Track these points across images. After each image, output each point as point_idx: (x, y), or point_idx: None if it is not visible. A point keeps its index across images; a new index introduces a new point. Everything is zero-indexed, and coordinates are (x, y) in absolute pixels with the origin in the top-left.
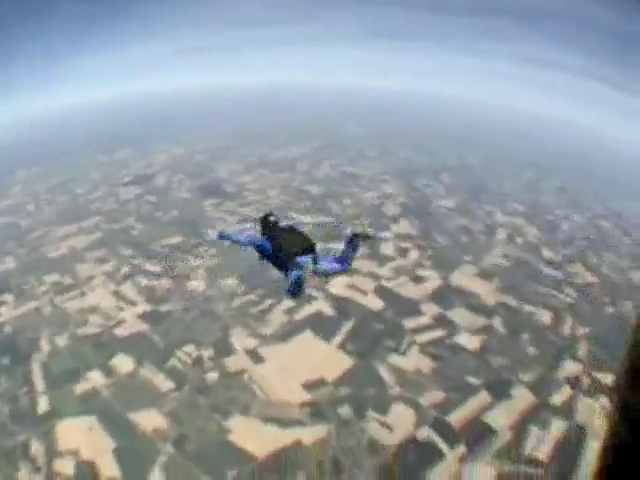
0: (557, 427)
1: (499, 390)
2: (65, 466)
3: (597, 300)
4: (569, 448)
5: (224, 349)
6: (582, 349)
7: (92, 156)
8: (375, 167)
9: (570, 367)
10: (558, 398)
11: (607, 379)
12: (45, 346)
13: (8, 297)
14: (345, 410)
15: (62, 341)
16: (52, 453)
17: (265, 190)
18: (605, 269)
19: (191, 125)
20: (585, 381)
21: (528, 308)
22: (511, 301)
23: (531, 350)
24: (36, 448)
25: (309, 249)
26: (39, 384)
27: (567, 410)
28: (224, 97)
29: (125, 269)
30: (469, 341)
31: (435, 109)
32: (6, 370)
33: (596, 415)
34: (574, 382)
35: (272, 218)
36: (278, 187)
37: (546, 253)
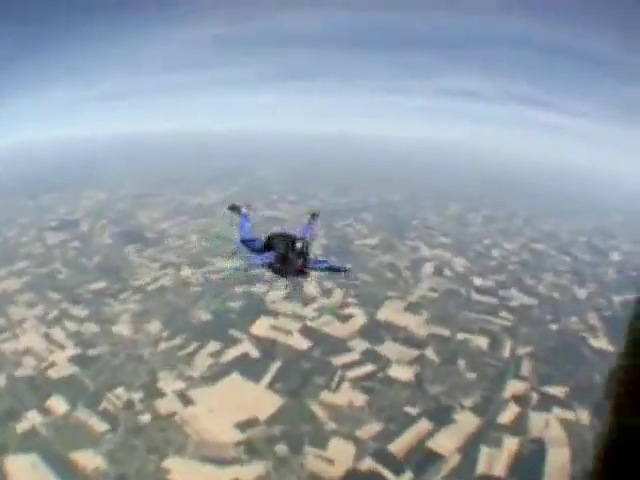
0: (511, 443)
1: (440, 416)
2: None
3: (538, 319)
4: (528, 460)
5: (153, 392)
6: (525, 367)
7: (18, 200)
8: (295, 210)
9: (515, 386)
10: (506, 416)
11: (557, 391)
12: None
13: None
14: (281, 447)
15: (1, 381)
16: None
17: (186, 236)
18: (543, 289)
19: (112, 171)
20: (533, 396)
21: (462, 336)
22: (443, 331)
23: (470, 375)
24: None
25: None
26: None
27: (518, 426)
28: (141, 144)
29: (53, 313)
30: (402, 373)
31: (353, 149)
32: None
33: (552, 426)
34: (521, 399)
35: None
36: (198, 233)
37: (477, 281)
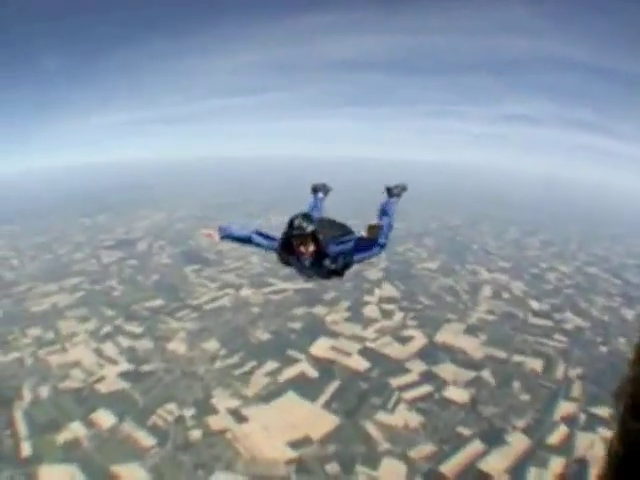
0: (557, 464)
1: (492, 437)
2: None
3: (590, 342)
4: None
5: (206, 409)
6: (576, 389)
7: (74, 218)
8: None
9: (565, 407)
10: (555, 437)
11: (603, 411)
12: (27, 395)
13: None
14: (333, 467)
15: (44, 392)
16: None
17: (246, 257)
18: (595, 312)
19: (170, 193)
20: (581, 417)
21: (518, 358)
22: (499, 353)
23: (524, 397)
24: None
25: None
26: (22, 429)
27: (565, 447)
28: (200, 166)
29: (106, 328)
30: (458, 394)
31: (413, 174)
32: None
33: (596, 446)
34: (570, 420)
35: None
36: (259, 255)
37: (533, 304)
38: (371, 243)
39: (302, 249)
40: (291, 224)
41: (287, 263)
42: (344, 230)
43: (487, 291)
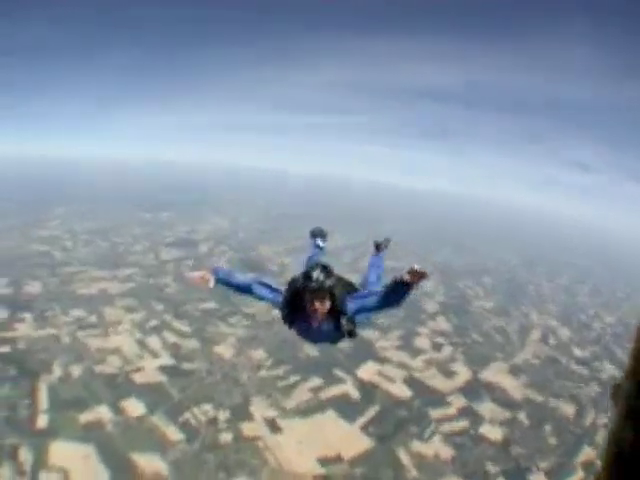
0: None
1: (516, 476)
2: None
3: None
4: None
5: (242, 414)
6: (600, 436)
7: (134, 211)
8: (418, 264)
9: (587, 453)
10: None
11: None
12: (57, 370)
13: (28, 316)
14: None
15: (76, 371)
16: (40, 465)
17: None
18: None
19: (233, 200)
20: (598, 464)
21: (553, 402)
22: (537, 396)
23: (552, 440)
24: (25, 455)
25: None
26: (43, 402)
27: None
28: (262, 177)
29: (153, 322)
30: (492, 432)
31: (473, 211)
32: (11, 380)
33: None
34: (588, 465)
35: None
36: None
37: (576, 351)
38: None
39: (316, 305)
40: (307, 276)
41: (292, 323)
42: (353, 287)
43: (535, 334)
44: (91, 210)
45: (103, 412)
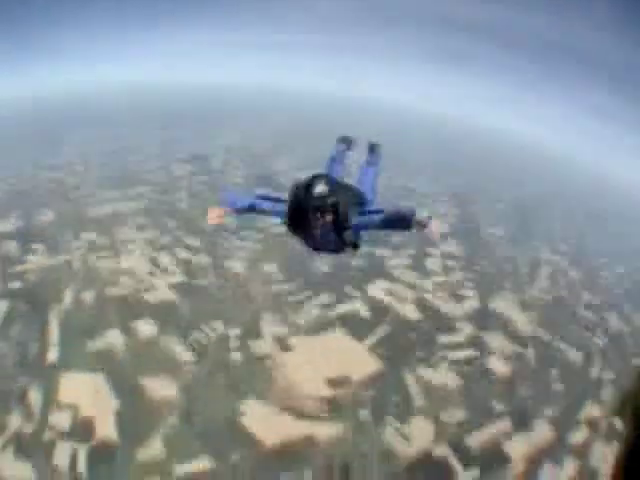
0: (571, 467)
1: (521, 420)
2: (61, 420)
3: (626, 350)
4: None
5: (253, 331)
6: (605, 393)
7: (150, 130)
8: (431, 186)
9: (591, 409)
10: (576, 437)
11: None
12: (68, 299)
13: (40, 247)
14: (365, 413)
15: (87, 297)
16: (50, 404)
17: None
18: (638, 321)
19: (246, 116)
20: (602, 425)
21: (561, 345)
22: (546, 335)
23: (558, 386)
24: (34, 396)
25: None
26: (53, 334)
27: (582, 451)
28: (280, 95)
29: (166, 239)
30: (499, 366)
31: (493, 140)
32: (23, 316)
33: (609, 460)
34: (593, 424)
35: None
36: None
37: (585, 296)
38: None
39: (319, 220)
40: (308, 188)
41: (295, 231)
42: (361, 197)
43: (545, 271)
44: (104, 133)
45: (114, 337)
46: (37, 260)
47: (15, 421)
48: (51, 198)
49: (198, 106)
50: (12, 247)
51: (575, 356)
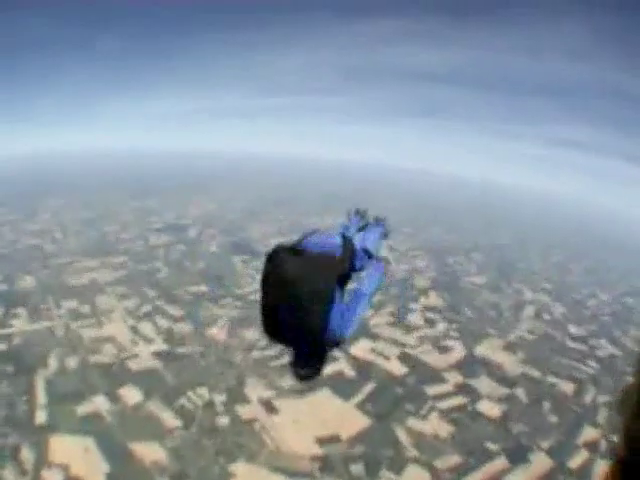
0: None
1: (517, 455)
2: (53, 478)
3: (620, 371)
4: None
5: (238, 396)
6: (601, 415)
7: (122, 199)
8: (408, 242)
9: (589, 433)
10: (576, 462)
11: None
12: (53, 364)
13: (22, 312)
14: (357, 468)
15: (71, 363)
16: (42, 462)
17: None
18: (629, 342)
19: (220, 184)
20: (603, 445)
21: (551, 379)
22: (535, 372)
23: (552, 418)
24: (26, 454)
25: None
26: (41, 397)
27: (584, 472)
28: (252, 162)
29: (146, 307)
30: (490, 409)
31: (461, 190)
32: (9, 377)
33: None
34: (592, 446)
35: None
36: None
37: (572, 329)
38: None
39: None
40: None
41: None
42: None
43: (529, 311)
44: (80, 201)
45: (100, 402)
46: (21, 325)
47: (10, 476)
48: (31, 264)
49: (169, 173)
50: None
51: (567, 387)
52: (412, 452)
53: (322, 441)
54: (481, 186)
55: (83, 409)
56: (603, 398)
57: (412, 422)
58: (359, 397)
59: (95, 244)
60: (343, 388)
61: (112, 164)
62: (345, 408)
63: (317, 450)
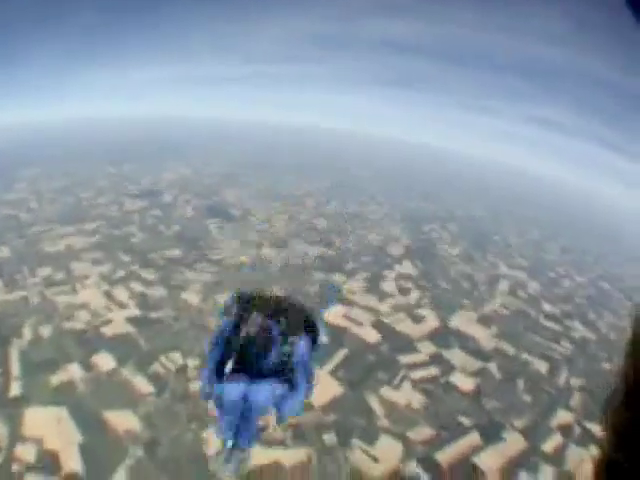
0: (547, 473)
1: (491, 433)
2: (26, 452)
3: (594, 355)
4: None
5: None
6: (575, 400)
7: (100, 166)
8: (382, 210)
9: (563, 416)
10: (549, 445)
11: (597, 430)
12: (27, 334)
13: None
14: (330, 436)
15: (45, 332)
16: (15, 437)
17: (271, 218)
18: (603, 327)
19: (198, 150)
20: (576, 430)
21: (525, 356)
22: (508, 348)
23: (525, 397)
24: (0, 429)
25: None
26: (14, 369)
27: (557, 457)
28: (228, 129)
29: (120, 273)
30: (463, 382)
31: (437, 161)
32: None
33: (585, 463)
34: (566, 430)
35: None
36: (285, 217)
37: (546, 307)
38: None
39: None
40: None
41: None
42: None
43: (504, 285)
44: (57, 170)
45: (74, 370)
46: None
47: None
48: (7, 235)
49: (147, 140)
50: None
51: (540, 366)
52: (385, 422)
53: None
54: (458, 159)
55: (57, 378)
56: (576, 381)
57: (385, 391)
58: (332, 364)
59: (70, 211)
60: (316, 355)
61: (91, 133)
62: (318, 375)
63: (289, 419)
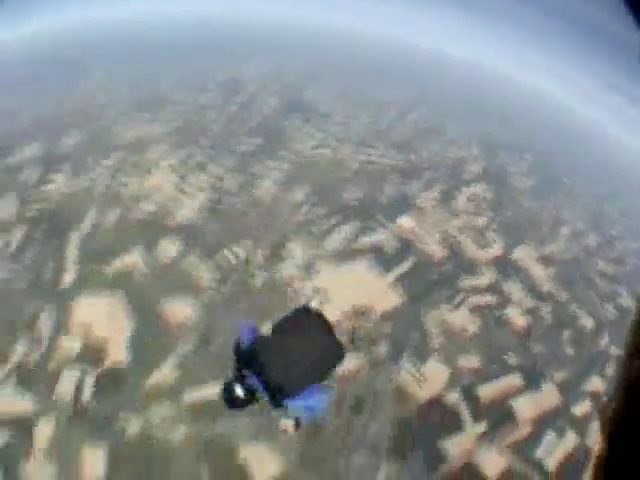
0: (570, 439)
1: (532, 378)
2: (70, 345)
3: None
4: (573, 466)
5: (276, 256)
6: (610, 369)
7: (181, 58)
8: (463, 129)
9: (596, 383)
10: (579, 409)
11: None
12: (89, 221)
13: (65, 168)
14: (381, 350)
15: (110, 217)
16: (60, 329)
17: (357, 115)
18: None
19: (278, 46)
20: (602, 402)
21: (574, 307)
22: (561, 294)
23: (569, 350)
24: (44, 322)
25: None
26: (71, 257)
27: (582, 425)
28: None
29: (197, 158)
30: (517, 318)
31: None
32: (40, 240)
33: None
34: (596, 398)
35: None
36: (366, 119)
37: (600, 264)
38: None
39: None
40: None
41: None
42: None
43: (566, 230)
44: (134, 59)
45: (135, 257)
46: (60, 183)
47: (20, 350)
48: (80, 119)
49: (227, 37)
50: (34, 172)
51: (587, 322)
52: (437, 342)
53: (351, 314)
54: (535, 89)
55: (116, 265)
56: (614, 350)
57: (442, 310)
58: (395, 274)
59: (149, 96)
60: (381, 261)
61: (171, 26)
62: (379, 283)
63: (346, 322)
